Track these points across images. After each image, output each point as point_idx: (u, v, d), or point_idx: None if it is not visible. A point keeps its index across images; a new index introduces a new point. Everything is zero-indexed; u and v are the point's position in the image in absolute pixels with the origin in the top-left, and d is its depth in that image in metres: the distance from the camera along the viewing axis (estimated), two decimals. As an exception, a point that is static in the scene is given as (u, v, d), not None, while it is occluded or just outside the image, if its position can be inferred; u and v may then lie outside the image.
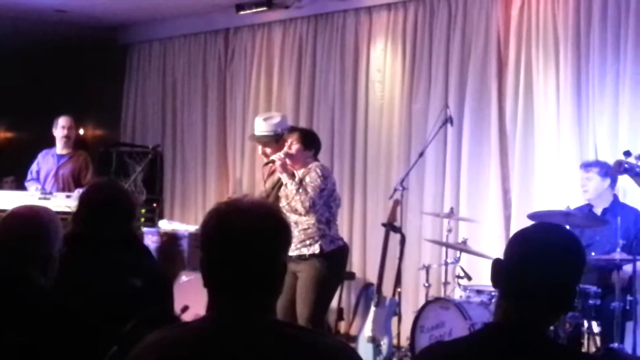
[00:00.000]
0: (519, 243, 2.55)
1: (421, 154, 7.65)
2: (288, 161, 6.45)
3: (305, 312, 6.29)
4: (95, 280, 3.68)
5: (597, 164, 6.73)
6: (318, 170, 6.41)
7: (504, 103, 7.89)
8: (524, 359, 2.40)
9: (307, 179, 6.37)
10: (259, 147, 6.98)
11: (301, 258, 6.28)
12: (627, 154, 4.98)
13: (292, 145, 6.49)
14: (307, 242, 6.33)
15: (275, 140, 6.77)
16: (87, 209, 3.97)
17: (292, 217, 6.19)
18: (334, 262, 6.44)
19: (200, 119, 10.60)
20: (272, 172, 6.83)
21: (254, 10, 9.65)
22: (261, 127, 6.90)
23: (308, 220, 6.36)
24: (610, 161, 6.83)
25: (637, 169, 4.96)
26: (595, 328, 6.18)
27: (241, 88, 10.19)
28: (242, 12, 9.76)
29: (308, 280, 6.32)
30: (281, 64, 9.76)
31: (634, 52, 7.02)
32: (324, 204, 6.41)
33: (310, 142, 6.58)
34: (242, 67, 10.22)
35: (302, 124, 8.94)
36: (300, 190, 6.32)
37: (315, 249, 6.33)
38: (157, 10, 10.42)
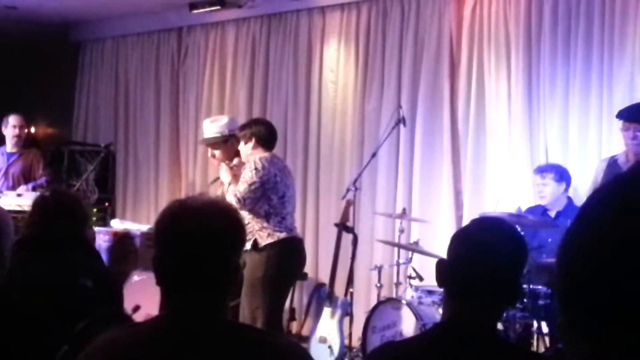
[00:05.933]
0: (459, 241, 2.57)
1: (374, 155, 7.68)
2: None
3: (249, 318, 6.11)
4: (45, 281, 3.67)
5: (552, 168, 6.75)
6: (252, 163, 6.21)
7: (456, 104, 7.93)
8: (473, 357, 2.42)
9: (242, 173, 6.26)
10: (209, 150, 6.92)
11: None
12: None
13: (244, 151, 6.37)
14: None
15: (224, 141, 6.67)
16: (39, 212, 3.99)
17: None
18: (271, 255, 6.18)
19: (153, 118, 10.53)
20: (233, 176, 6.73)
21: (207, 9, 9.62)
22: (209, 129, 6.82)
23: (248, 215, 6.13)
24: (561, 163, 6.91)
25: None
26: (545, 328, 6.22)
27: (194, 87, 10.15)
28: (195, 11, 9.72)
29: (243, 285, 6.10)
30: (234, 64, 9.73)
31: (584, 56, 7.09)
32: (262, 197, 6.22)
33: (264, 143, 6.42)
34: (195, 66, 10.17)
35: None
36: (232, 185, 6.22)
37: (248, 245, 6.02)
38: (109, 8, 10.33)
